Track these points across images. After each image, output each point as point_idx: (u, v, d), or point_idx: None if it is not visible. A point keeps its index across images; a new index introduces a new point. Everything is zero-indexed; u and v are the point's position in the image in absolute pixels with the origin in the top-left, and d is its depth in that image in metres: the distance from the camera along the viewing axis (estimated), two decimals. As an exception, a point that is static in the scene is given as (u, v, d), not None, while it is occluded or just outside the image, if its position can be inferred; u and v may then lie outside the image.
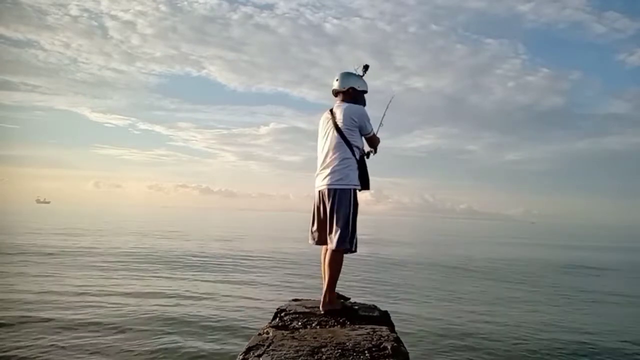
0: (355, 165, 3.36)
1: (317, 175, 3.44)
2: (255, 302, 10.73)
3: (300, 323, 2.97)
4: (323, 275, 3.45)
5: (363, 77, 3.56)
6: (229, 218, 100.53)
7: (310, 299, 3.45)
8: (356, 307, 3.37)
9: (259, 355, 2.32)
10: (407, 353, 2.52)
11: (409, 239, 44.78)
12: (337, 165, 3.30)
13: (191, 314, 9.28)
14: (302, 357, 2.30)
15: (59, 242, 23.53)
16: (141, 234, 33.37)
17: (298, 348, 2.41)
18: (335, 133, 3.34)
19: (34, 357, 6.55)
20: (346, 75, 3.53)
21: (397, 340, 2.61)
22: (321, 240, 3.43)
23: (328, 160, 3.35)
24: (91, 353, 6.84)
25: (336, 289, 3.36)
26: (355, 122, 3.35)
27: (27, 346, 6.96)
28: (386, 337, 2.61)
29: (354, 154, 3.36)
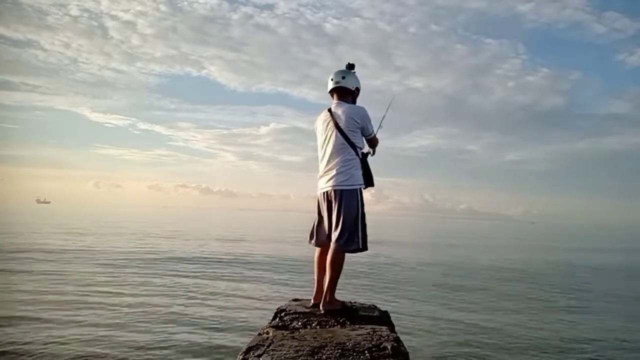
0: (359, 165, 3.36)
1: (321, 177, 3.41)
2: (255, 302, 10.74)
3: (300, 323, 2.96)
4: (315, 276, 3.45)
5: None
6: (229, 218, 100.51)
7: (310, 299, 3.45)
8: (356, 307, 3.37)
9: (259, 355, 2.32)
10: (407, 353, 2.52)
11: (409, 239, 44.76)
12: (341, 166, 3.28)
13: (191, 313, 9.29)
14: (302, 357, 2.30)
15: (59, 242, 23.53)
16: (141, 234, 33.37)
17: (298, 348, 2.41)
18: (338, 134, 3.30)
19: (35, 353, 6.60)
20: (351, 74, 3.45)
21: (397, 340, 2.61)
22: (322, 241, 3.42)
23: (332, 161, 3.31)
24: (92, 348, 6.89)
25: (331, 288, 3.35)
26: (358, 123, 3.32)
27: (28, 342, 7.03)
28: (386, 337, 2.60)
29: (357, 154, 3.35)
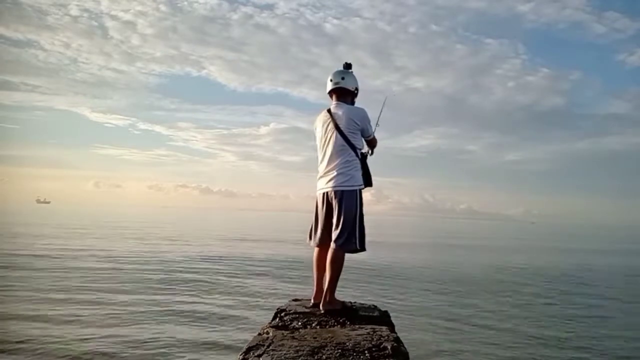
0: (359, 165, 3.36)
1: (321, 177, 3.41)
2: (255, 302, 10.75)
3: (300, 323, 2.96)
4: (315, 276, 3.45)
5: None
6: (229, 218, 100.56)
7: (310, 299, 3.44)
8: (356, 307, 3.37)
9: (259, 355, 2.32)
10: (407, 353, 2.52)
11: (409, 239, 44.80)
12: (342, 167, 3.28)
13: (191, 311, 9.31)
14: (302, 357, 2.30)
15: (59, 242, 23.55)
16: (141, 234, 33.39)
17: (298, 348, 2.41)
18: (338, 135, 3.30)
19: (36, 350, 6.64)
20: (350, 74, 3.43)
21: (397, 340, 2.61)
22: (321, 242, 3.42)
23: (332, 163, 3.32)
24: (92, 345, 6.92)
25: (327, 287, 3.34)
26: (358, 125, 3.33)
27: (29, 340, 7.07)
28: (386, 337, 2.60)
29: (357, 155, 3.36)
